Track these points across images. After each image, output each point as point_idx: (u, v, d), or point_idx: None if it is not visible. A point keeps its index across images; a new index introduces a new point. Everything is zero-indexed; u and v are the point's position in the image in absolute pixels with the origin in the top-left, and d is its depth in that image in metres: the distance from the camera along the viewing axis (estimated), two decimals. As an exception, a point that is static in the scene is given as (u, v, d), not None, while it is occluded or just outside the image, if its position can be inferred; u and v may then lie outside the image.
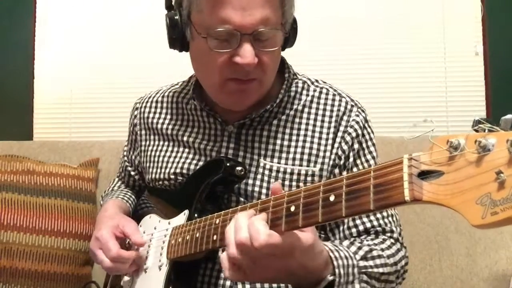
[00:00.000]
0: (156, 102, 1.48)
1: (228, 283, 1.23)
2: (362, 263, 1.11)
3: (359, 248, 1.15)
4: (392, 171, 0.68)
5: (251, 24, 1.12)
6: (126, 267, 1.26)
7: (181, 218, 1.23)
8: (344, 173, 1.26)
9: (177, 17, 1.21)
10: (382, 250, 1.18)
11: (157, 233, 1.29)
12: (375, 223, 1.24)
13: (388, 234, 1.24)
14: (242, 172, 1.20)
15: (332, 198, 0.78)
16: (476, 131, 0.59)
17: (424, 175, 0.65)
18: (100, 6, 2.79)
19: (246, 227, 0.87)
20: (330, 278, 0.98)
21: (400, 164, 0.67)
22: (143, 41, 2.68)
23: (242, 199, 1.26)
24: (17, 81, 2.78)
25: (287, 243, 0.86)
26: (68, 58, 2.79)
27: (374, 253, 1.16)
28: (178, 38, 1.23)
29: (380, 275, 1.14)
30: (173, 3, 1.24)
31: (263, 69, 1.19)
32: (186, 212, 1.23)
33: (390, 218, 1.26)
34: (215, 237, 1.03)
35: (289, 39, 1.27)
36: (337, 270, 1.00)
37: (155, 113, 1.46)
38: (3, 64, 2.79)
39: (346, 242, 1.17)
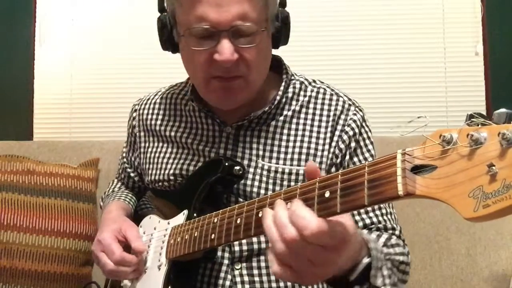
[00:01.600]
0: (155, 103, 1.48)
1: (227, 283, 1.23)
2: (385, 250, 1.11)
3: (379, 236, 1.16)
4: (386, 166, 0.69)
5: (227, 20, 1.12)
6: (129, 270, 1.25)
7: (180, 218, 1.23)
8: (340, 171, 1.27)
9: (166, 20, 1.23)
10: (395, 240, 1.19)
11: (157, 233, 1.29)
12: (375, 219, 1.24)
13: (390, 232, 1.24)
14: (241, 172, 1.20)
15: (327, 194, 0.78)
16: (469, 125, 0.60)
17: (417, 169, 0.65)
18: (100, 6, 2.80)
19: (289, 221, 0.79)
20: (367, 260, 0.95)
21: (394, 159, 0.68)
22: (144, 41, 2.67)
23: (241, 199, 1.26)
24: (17, 81, 2.78)
25: (338, 231, 0.79)
26: (68, 58, 2.79)
27: (393, 241, 1.17)
28: (168, 40, 1.25)
29: (399, 264, 1.14)
30: (165, 6, 1.25)
31: (247, 65, 1.18)
32: (185, 212, 1.23)
33: (389, 216, 1.26)
34: (213, 236, 1.03)
35: (280, 36, 1.25)
36: (373, 252, 0.97)
37: (153, 114, 1.46)
38: (3, 64, 2.79)
39: (364, 230, 1.17)
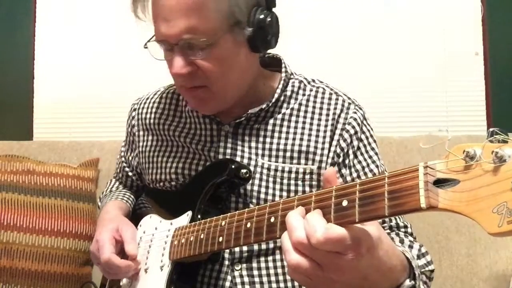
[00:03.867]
0: (154, 102, 1.48)
1: (227, 283, 1.24)
2: (420, 262, 1.11)
3: (410, 246, 1.16)
4: (408, 178, 0.68)
5: (174, 35, 1.13)
6: (119, 272, 1.26)
7: (184, 219, 1.23)
8: (344, 170, 1.28)
9: None
10: (420, 249, 1.18)
11: (159, 234, 1.29)
12: (386, 218, 1.23)
13: (403, 230, 1.24)
14: (247, 175, 1.20)
15: (345, 203, 0.77)
16: (491, 141, 0.60)
17: (439, 183, 0.65)
18: (100, 6, 2.79)
19: (302, 226, 0.78)
20: (410, 283, 0.91)
21: (416, 172, 0.68)
22: (145, 40, 2.65)
23: (240, 199, 1.27)
24: (17, 81, 2.78)
25: (351, 236, 0.75)
26: (68, 58, 2.79)
27: (423, 249, 1.17)
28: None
29: (430, 273, 1.14)
30: None
31: (206, 76, 1.18)
32: (189, 213, 1.23)
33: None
34: (220, 238, 1.03)
35: (256, 41, 1.21)
36: (416, 272, 0.94)
37: (152, 113, 1.46)
38: (3, 64, 2.79)
39: (396, 239, 1.16)
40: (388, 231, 1.23)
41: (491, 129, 0.60)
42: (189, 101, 1.31)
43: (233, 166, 1.21)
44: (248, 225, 0.96)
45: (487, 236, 2.04)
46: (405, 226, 1.25)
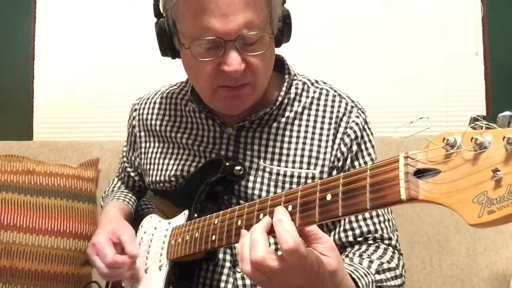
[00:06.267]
0: (155, 103, 1.46)
1: (229, 286, 1.22)
2: (378, 277, 1.12)
3: (371, 262, 1.15)
4: (388, 170, 0.68)
5: (233, 30, 1.08)
6: (123, 271, 1.26)
7: (181, 218, 1.23)
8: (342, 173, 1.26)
9: (164, 26, 1.19)
10: (389, 262, 1.18)
11: (158, 234, 1.29)
12: (372, 228, 1.23)
13: (386, 242, 1.23)
14: (241, 172, 1.19)
15: (329, 197, 0.77)
16: (473, 128, 0.59)
17: (420, 173, 0.64)
18: (100, 6, 2.80)
19: (263, 244, 0.83)
20: None
21: (396, 163, 0.67)
22: (144, 39, 2.65)
23: (242, 201, 1.25)
24: (17, 81, 2.79)
25: (314, 259, 0.82)
26: (68, 58, 2.80)
27: (385, 266, 1.16)
28: (167, 47, 1.22)
29: None
30: (161, 11, 1.21)
31: (253, 72, 1.15)
32: (186, 212, 1.23)
33: (386, 223, 1.25)
34: (213, 237, 1.03)
35: (283, 36, 1.22)
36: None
37: (153, 114, 1.44)
38: (3, 64, 2.80)
39: (356, 259, 1.16)
40: (371, 242, 1.23)
41: (472, 116, 0.58)
42: (223, 102, 1.22)
43: (227, 164, 1.20)
44: (239, 222, 0.96)
45: (487, 236, 2.04)
46: (390, 239, 1.24)
